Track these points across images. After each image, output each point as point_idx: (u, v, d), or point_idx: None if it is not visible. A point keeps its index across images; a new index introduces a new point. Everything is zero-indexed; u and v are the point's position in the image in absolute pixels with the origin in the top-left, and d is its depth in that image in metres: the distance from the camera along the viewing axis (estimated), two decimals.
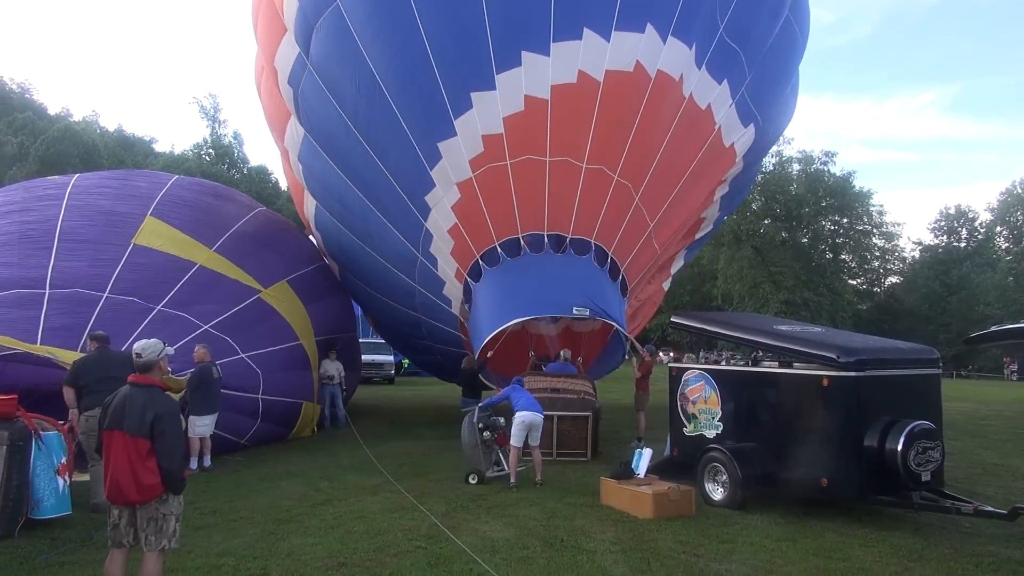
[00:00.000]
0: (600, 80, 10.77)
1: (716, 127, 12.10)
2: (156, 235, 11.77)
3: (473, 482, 9.15)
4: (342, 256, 14.16)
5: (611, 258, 11.63)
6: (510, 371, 13.38)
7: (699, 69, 11.47)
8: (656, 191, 11.83)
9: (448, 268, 11.95)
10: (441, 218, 11.60)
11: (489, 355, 11.89)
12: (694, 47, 11.26)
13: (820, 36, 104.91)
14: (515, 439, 9.15)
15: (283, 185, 65.63)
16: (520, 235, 11.37)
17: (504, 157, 11.03)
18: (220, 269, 11.99)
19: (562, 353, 12.63)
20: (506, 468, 9.37)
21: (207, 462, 9.99)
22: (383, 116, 11.11)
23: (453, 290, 12.13)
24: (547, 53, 10.55)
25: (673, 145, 11.62)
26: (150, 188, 13.04)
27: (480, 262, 11.53)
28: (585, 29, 10.58)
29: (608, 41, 10.66)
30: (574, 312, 10.74)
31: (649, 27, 10.79)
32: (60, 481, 7.03)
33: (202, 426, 9.78)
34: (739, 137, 12.64)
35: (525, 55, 10.55)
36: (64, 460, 7.15)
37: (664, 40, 10.92)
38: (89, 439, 7.06)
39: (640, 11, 10.72)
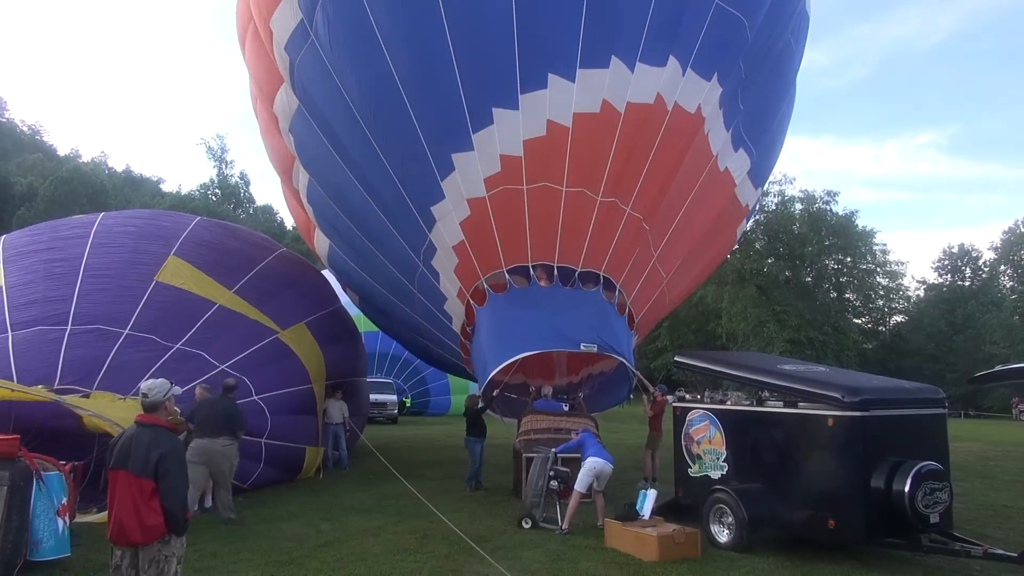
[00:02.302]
0: (622, 112, 10.59)
1: (714, 154, 12.06)
2: (178, 274, 11.92)
3: (526, 526, 8.99)
4: (336, 236, 13.52)
5: (619, 291, 11.53)
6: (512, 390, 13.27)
7: (713, 101, 11.41)
8: (664, 222, 11.79)
9: (450, 285, 11.71)
10: (447, 233, 11.27)
11: (495, 393, 11.79)
12: (713, 77, 11.15)
13: (818, 78, 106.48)
14: (580, 485, 8.97)
15: (288, 225, 66.37)
16: (530, 264, 11.17)
17: (521, 181, 10.75)
18: (240, 310, 12.08)
19: (542, 390, 12.35)
20: (558, 519, 9.17)
21: (208, 503, 9.91)
22: (394, 113, 10.56)
23: (455, 308, 11.89)
24: (573, 79, 10.28)
25: (682, 176, 11.61)
26: (174, 228, 13.24)
27: (485, 285, 11.32)
28: (613, 58, 10.34)
29: (632, 72, 10.45)
30: (582, 347, 10.57)
31: (672, 59, 10.66)
32: (60, 522, 6.98)
33: None
34: (732, 162, 12.57)
35: (552, 78, 10.25)
36: (64, 501, 7.12)
37: (684, 73, 10.80)
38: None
39: (665, 43, 10.52)
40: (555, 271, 11.18)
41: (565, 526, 8.85)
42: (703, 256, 13.95)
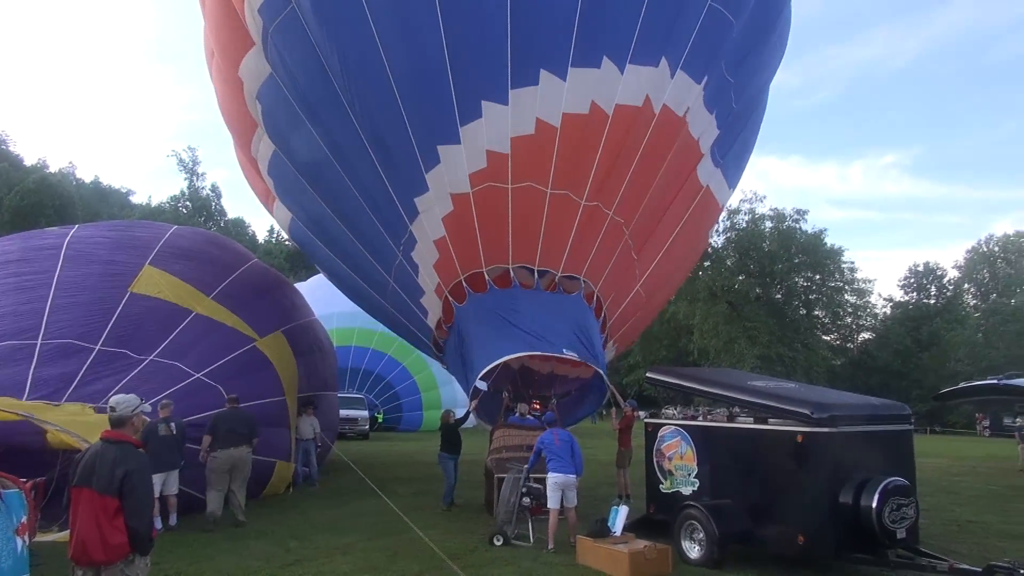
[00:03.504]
0: (610, 114, 10.45)
1: (703, 154, 12.05)
2: (154, 284, 11.76)
3: (498, 543, 8.89)
4: (300, 212, 12.90)
5: (597, 296, 11.45)
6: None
7: (702, 101, 11.33)
8: (645, 227, 11.74)
9: (429, 280, 11.48)
10: (429, 226, 11.00)
11: (473, 406, 11.69)
12: (703, 79, 11.08)
13: (787, 99, 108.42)
14: (552, 502, 8.90)
15: (260, 238, 65.71)
16: (511, 265, 11.00)
17: (507, 179, 10.53)
18: (218, 317, 11.96)
19: (518, 408, 12.10)
20: (529, 536, 9.13)
21: (173, 520, 9.73)
22: (380, 98, 10.17)
23: (432, 303, 11.67)
24: (565, 77, 10.08)
25: (665, 180, 11.54)
26: (149, 238, 13.05)
27: (465, 284, 11.15)
28: (605, 58, 10.17)
29: (622, 74, 10.31)
30: (564, 352, 10.41)
31: (663, 61, 10.53)
32: (19, 542, 6.77)
33: None
34: (714, 163, 12.53)
35: (544, 74, 10.04)
36: (24, 519, 6.93)
37: (673, 74, 10.69)
38: (210, 474, 9.98)
39: (657, 44, 10.37)
40: (535, 274, 11.04)
41: (551, 544, 8.77)
42: (678, 259, 13.84)
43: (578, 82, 10.17)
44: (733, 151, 13.08)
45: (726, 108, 11.96)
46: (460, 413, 12.74)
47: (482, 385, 11.31)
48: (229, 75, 12.19)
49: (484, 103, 10.13)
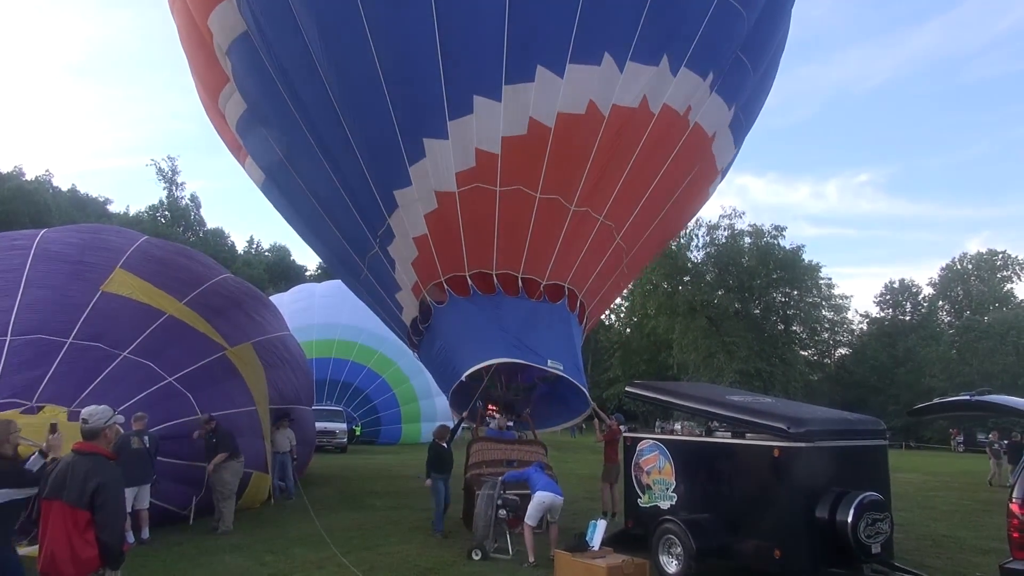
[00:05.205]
0: (606, 115, 9.98)
1: (711, 138, 11.74)
2: (125, 285, 11.57)
3: (476, 557, 8.85)
4: (273, 180, 12.24)
5: (580, 302, 11.31)
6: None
7: (711, 95, 10.99)
8: (638, 227, 11.52)
9: (406, 276, 11.17)
10: (409, 222, 10.57)
11: (465, 415, 11.61)
12: (709, 76, 10.73)
13: (764, 117, 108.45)
14: (531, 518, 8.90)
15: (240, 248, 65.19)
16: (495, 271, 10.68)
17: (495, 181, 10.06)
18: (189, 321, 11.81)
19: (491, 422, 12.02)
20: (508, 550, 9.12)
21: (145, 535, 9.57)
22: (363, 81, 9.59)
23: (408, 300, 11.41)
24: (562, 74, 9.57)
25: (665, 178, 11.27)
26: (120, 243, 12.85)
27: (446, 286, 10.82)
28: (606, 55, 9.66)
29: (622, 72, 9.83)
30: (549, 364, 10.22)
31: (664, 59, 10.08)
32: None
33: None
34: (724, 155, 12.38)
35: (540, 71, 9.51)
36: None
37: (675, 73, 10.25)
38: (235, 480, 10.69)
39: (660, 41, 9.92)
40: (520, 281, 10.79)
41: (531, 559, 8.74)
42: (657, 248, 13.81)
43: (576, 80, 9.62)
44: (742, 140, 12.87)
45: (742, 94, 11.68)
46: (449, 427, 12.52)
47: (464, 377, 11.13)
48: (200, 22, 11.14)
49: (476, 98, 9.57)
